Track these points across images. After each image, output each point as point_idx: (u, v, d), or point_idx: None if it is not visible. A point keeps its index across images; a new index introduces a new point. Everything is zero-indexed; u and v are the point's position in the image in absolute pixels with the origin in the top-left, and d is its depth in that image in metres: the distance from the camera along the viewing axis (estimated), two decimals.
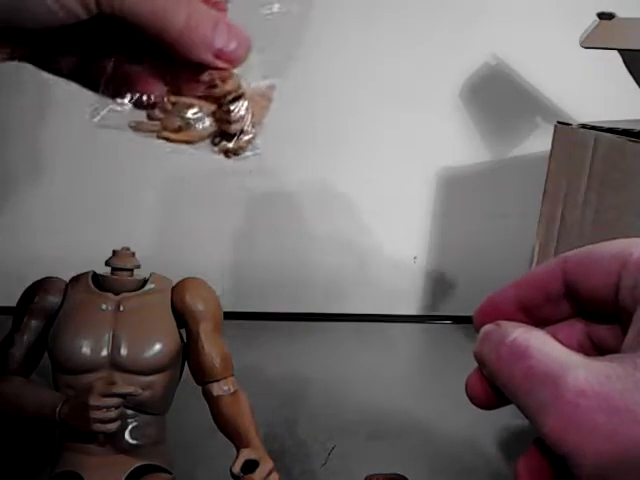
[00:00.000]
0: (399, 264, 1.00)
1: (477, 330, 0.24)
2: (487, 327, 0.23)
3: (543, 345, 0.21)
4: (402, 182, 0.97)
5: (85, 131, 0.88)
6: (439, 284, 1.02)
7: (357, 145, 0.94)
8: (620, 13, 0.65)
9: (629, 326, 0.21)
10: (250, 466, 0.49)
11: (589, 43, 0.67)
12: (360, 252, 0.98)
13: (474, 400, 0.24)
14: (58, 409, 0.51)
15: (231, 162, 0.31)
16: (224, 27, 0.27)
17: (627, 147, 0.61)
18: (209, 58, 0.27)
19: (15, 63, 0.28)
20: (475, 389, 0.23)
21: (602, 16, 0.66)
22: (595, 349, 0.24)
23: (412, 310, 1.02)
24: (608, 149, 0.63)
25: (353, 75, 0.91)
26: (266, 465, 0.49)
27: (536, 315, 0.24)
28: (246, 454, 0.50)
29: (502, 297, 0.25)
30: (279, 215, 0.97)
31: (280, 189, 0.95)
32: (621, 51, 0.67)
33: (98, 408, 0.49)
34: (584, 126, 0.67)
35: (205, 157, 0.30)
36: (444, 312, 1.00)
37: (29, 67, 0.28)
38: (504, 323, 0.23)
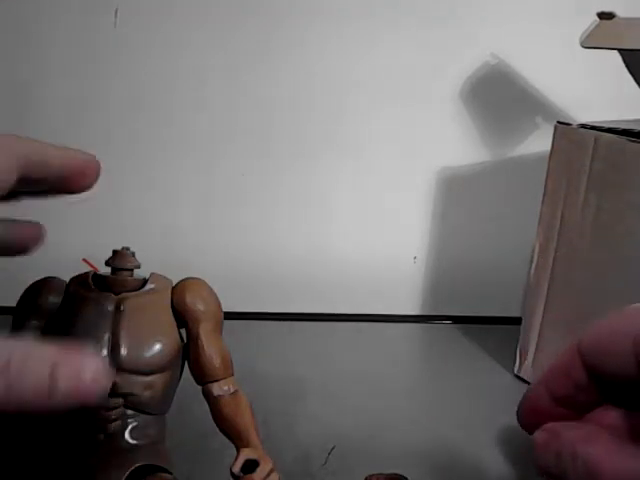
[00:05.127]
0: (399, 264, 1.00)
1: (522, 427, 0.25)
2: (540, 437, 0.23)
3: (609, 457, 0.21)
4: (402, 182, 0.96)
5: (84, 131, 0.88)
6: (439, 284, 1.01)
7: (356, 145, 0.94)
8: (620, 13, 0.65)
9: None
10: (250, 466, 0.49)
11: (589, 43, 0.67)
12: (359, 252, 0.98)
13: None
14: None
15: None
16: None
17: (627, 147, 0.61)
18: None
19: None
20: None
21: (602, 16, 0.66)
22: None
23: (412, 310, 1.02)
24: (608, 149, 0.63)
25: (352, 74, 0.91)
26: (266, 465, 0.49)
27: (573, 405, 0.24)
28: (246, 454, 0.50)
29: (537, 394, 0.25)
30: (278, 215, 0.97)
31: (278, 189, 0.95)
32: (621, 51, 0.67)
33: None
34: (584, 126, 0.67)
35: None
36: (444, 312, 1.00)
37: None
38: (557, 430, 0.23)
